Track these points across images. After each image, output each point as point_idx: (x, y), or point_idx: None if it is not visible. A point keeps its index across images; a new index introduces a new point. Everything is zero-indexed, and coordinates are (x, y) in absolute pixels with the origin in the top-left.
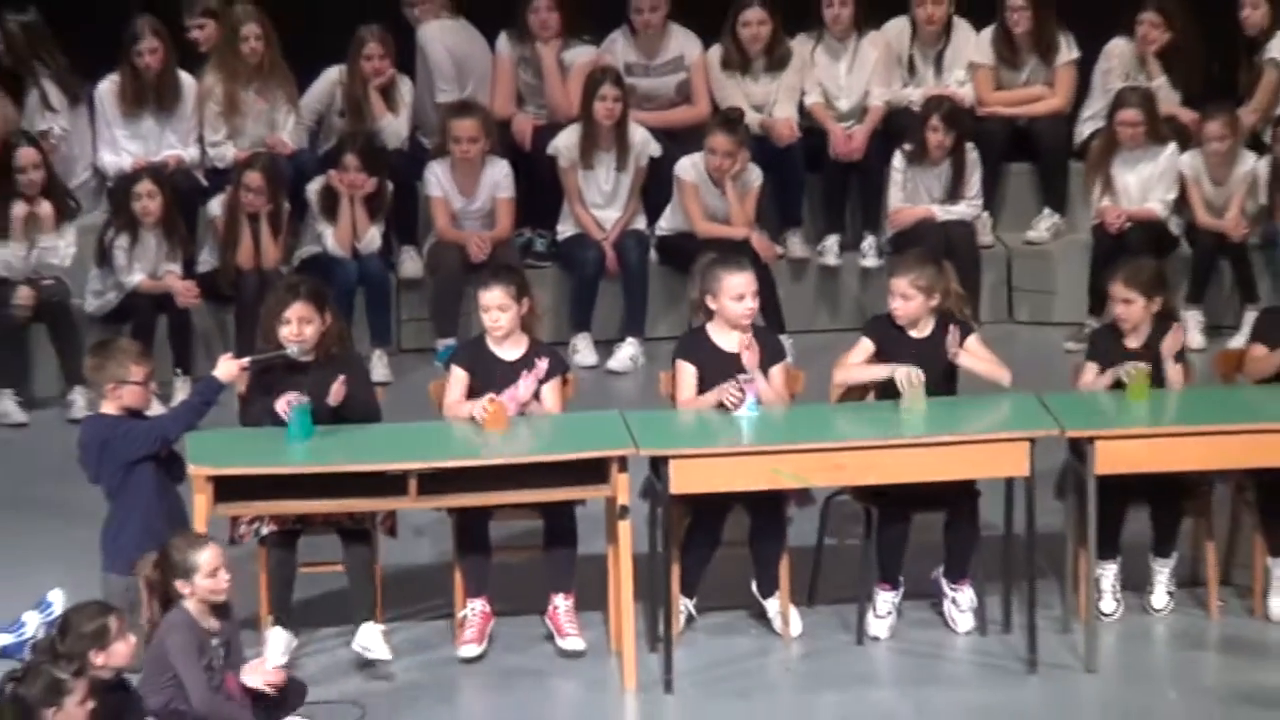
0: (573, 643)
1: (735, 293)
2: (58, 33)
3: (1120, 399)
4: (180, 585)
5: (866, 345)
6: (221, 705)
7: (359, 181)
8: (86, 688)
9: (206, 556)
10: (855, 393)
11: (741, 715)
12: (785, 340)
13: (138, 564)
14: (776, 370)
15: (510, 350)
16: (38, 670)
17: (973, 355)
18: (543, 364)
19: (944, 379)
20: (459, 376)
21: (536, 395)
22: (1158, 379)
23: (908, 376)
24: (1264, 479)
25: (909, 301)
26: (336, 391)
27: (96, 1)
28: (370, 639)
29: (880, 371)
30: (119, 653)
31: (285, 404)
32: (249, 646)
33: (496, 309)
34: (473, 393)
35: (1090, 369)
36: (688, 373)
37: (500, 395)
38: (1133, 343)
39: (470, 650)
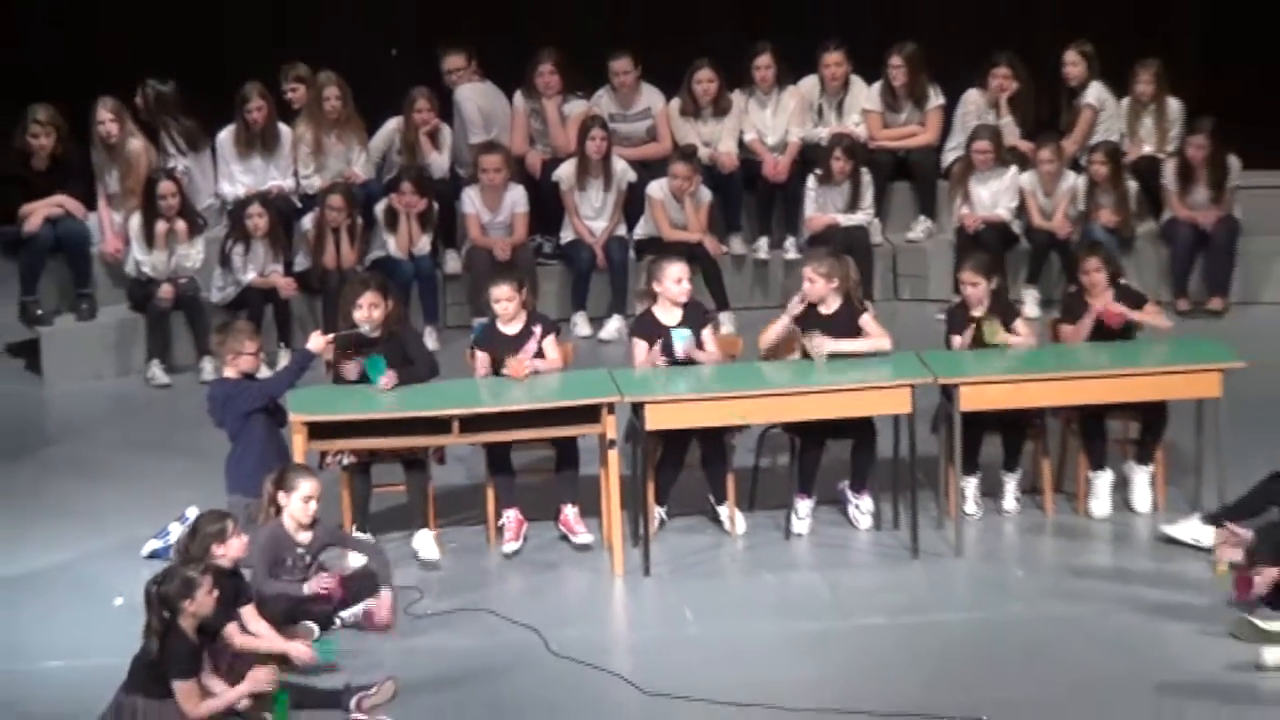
0: (583, 538)
1: (675, 277)
2: (191, 97)
3: (978, 355)
4: (283, 498)
5: (781, 319)
6: (272, 587)
7: (413, 202)
8: (211, 581)
9: (307, 483)
10: (784, 353)
11: (701, 592)
12: (727, 314)
13: (263, 480)
14: (707, 332)
15: (513, 326)
16: (173, 572)
17: (864, 329)
18: (537, 329)
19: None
20: (482, 358)
21: (540, 353)
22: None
23: (817, 345)
24: (1084, 412)
25: (814, 285)
26: (386, 382)
27: (221, 75)
28: (424, 542)
29: (783, 322)
30: (234, 547)
31: (353, 368)
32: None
33: (504, 300)
34: (492, 363)
35: (956, 338)
36: (640, 347)
37: (518, 358)
38: (976, 313)
39: (511, 547)
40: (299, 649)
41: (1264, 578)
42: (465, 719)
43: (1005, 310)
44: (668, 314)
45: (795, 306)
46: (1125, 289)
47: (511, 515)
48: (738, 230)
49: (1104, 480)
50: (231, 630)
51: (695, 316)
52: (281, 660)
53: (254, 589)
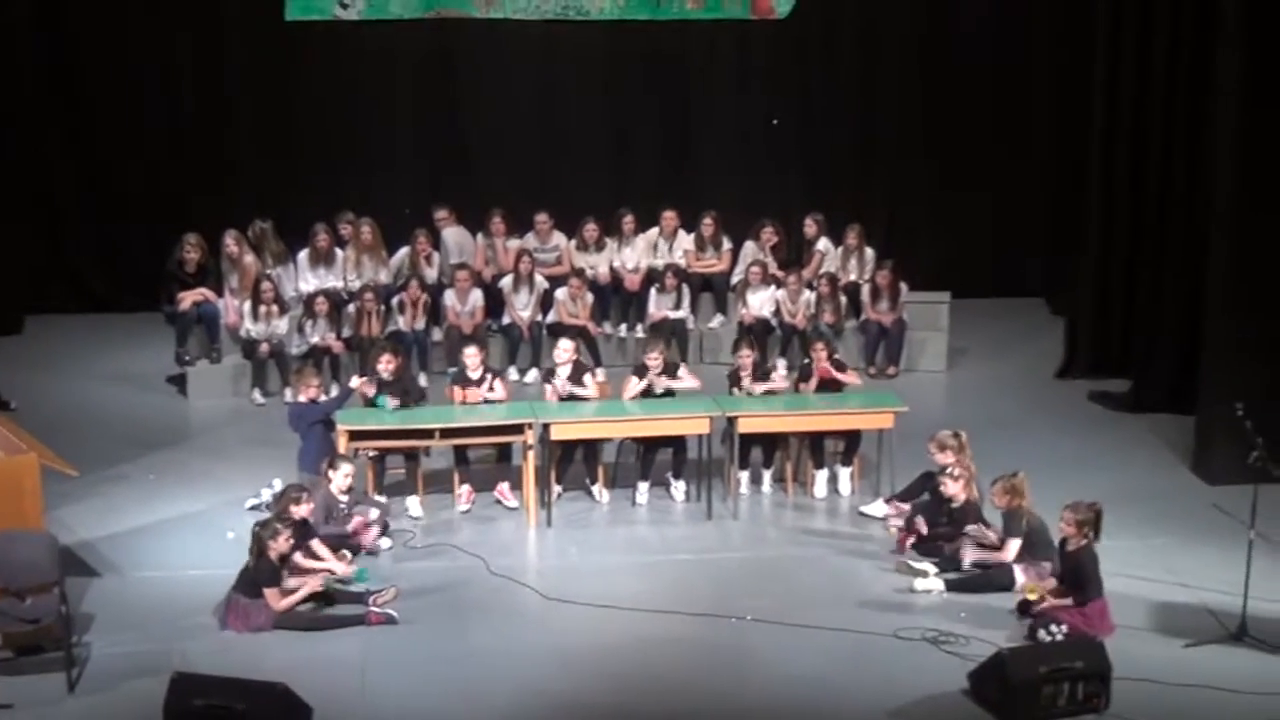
0: (511, 503)
1: (562, 348)
2: (281, 229)
3: (748, 399)
4: (331, 474)
5: (633, 378)
6: (324, 529)
7: (416, 297)
8: (289, 530)
9: (345, 468)
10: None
11: (581, 537)
12: (601, 371)
13: (321, 468)
14: (589, 378)
15: (477, 373)
16: (268, 522)
17: (681, 380)
18: (490, 377)
19: (669, 393)
20: (457, 391)
21: (491, 388)
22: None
23: (660, 382)
24: (812, 434)
25: (653, 361)
26: (392, 405)
27: (301, 216)
28: (412, 504)
29: (638, 388)
30: (305, 507)
31: (360, 385)
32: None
33: (471, 356)
34: (462, 391)
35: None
36: (548, 389)
37: (475, 391)
38: (744, 375)
39: (463, 508)
40: (341, 566)
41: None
42: (439, 612)
43: (761, 372)
44: (563, 369)
45: (640, 387)
46: (837, 361)
47: (465, 489)
48: (607, 319)
49: (821, 476)
50: (299, 557)
51: (579, 370)
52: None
53: (317, 527)
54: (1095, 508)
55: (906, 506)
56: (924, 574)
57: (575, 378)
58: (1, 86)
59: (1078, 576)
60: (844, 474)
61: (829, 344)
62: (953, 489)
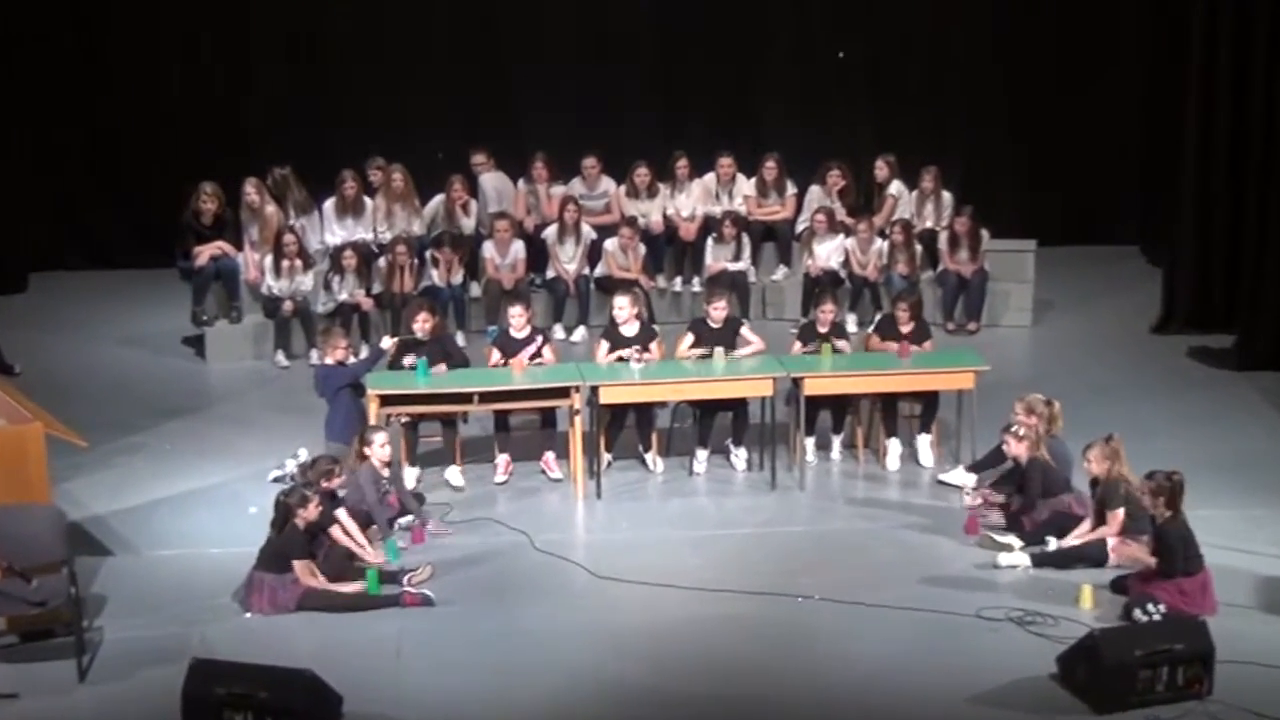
0: (556, 475)
1: (617, 305)
2: (304, 175)
3: (815, 358)
4: (367, 450)
5: (689, 336)
6: (381, 508)
7: (448, 256)
8: (318, 500)
9: (380, 437)
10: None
11: (633, 509)
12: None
13: (349, 433)
14: (654, 344)
15: (521, 334)
16: (295, 489)
17: (744, 337)
18: (539, 339)
19: (731, 350)
20: (496, 353)
21: (539, 353)
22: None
23: (717, 352)
24: (885, 397)
25: (717, 311)
26: (438, 372)
27: (328, 161)
28: (453, 474)
29: (698, 351)
30: (336, 480)
31: (409, 361)
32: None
33: (517, 315)
34: (504, 356)
35: (797, 345)
36: (604, 346)
37: (519, 356)
38: (823, 330)
39: (500, 479)
40: (369, 555)
41: (995, 514)
42: (479, 591)
43: (839, 330)
44: (628, 328)
45: (698, 352)
46: (922, 324)
47: (503, 459)
48: (661, 272)
49: (894, 445)
50: (333, 530)
51: (646, 335)
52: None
53: (369, 505)
54: (1175, 477)
55: (999, 497)
56: (1009, 548)
57: (643, 341)
58: (14, 33)
59: (1160, 552)
60: (923, 442)
61: (915, 304)
62: (1015, 449)
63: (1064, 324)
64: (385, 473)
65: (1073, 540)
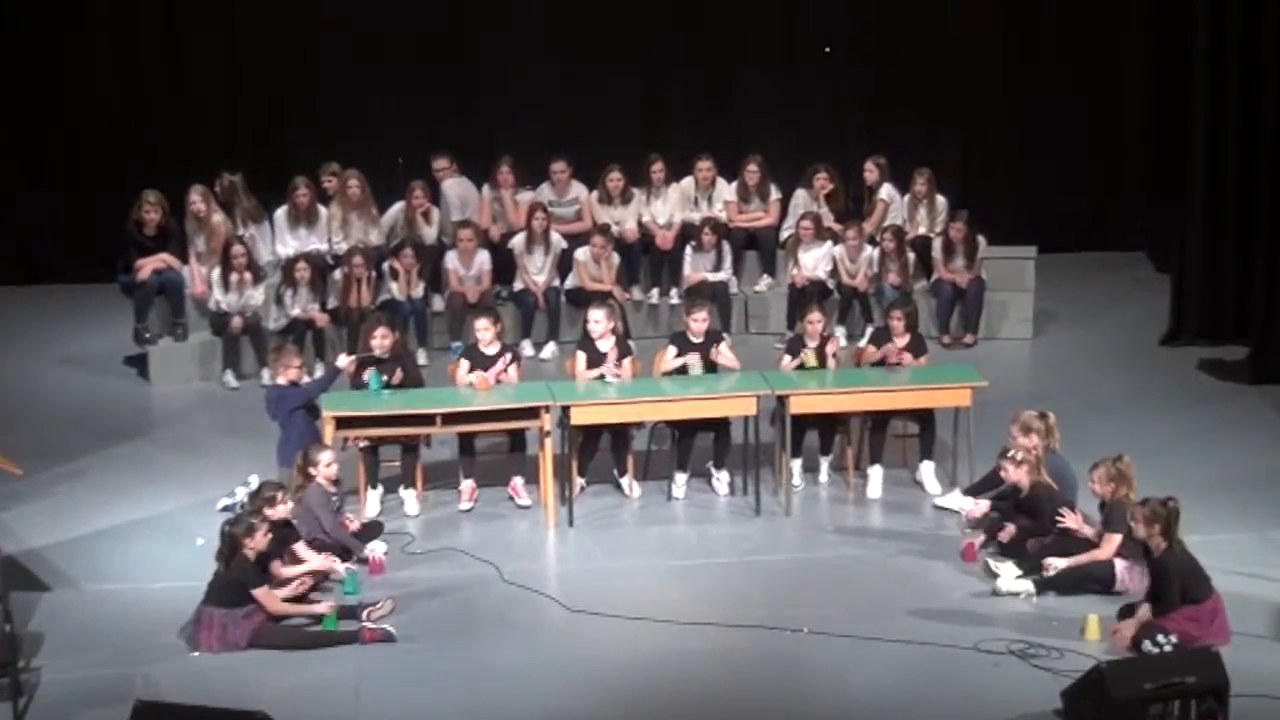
0: (524, 501)
1: (592, 319)
2: (255, 183)
3: (801, 374)
4: (312, 470)
5: (670, 348)
6: (340, 530)
7: (409, 264)
8: (267, 527)
9: (326, 455)
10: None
11: (608, 538)
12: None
13: (295, 460)
14: (628, 361)
15: (490, 349)
16: (241, 518)
17: (721, 354)
18: (508, 356)
19: (710, 367)
20: (464, 364)
21: (506, 370)
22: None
23: (696, 363)
24: (874, 416)
25: (697, 323)
26: (396, 379)
27: (279, 168)
28: (409, 500)
29: (677, 362)
30: (284, 508)
31: (365, 377)
32: (350, 505)
33: (484, 329)
34: (471, 371)
35: (786, 359)
36: (581, 359)
37: (485, 373)
38: (811, 343)
39: (465, 506)
40: (334, 562)
41: (1005, 532)
42: (443, 626)
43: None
44: (602, 343)
45: (677, 364)
46: (917, 337)
47: (468, 485)
48: (636, 283)
49: (876, 471)
50: (276, 565)
51: (622, 350)
52: (323, 577)
53: (326, 529)
54: (1170, 504)
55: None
56: (1009, 574)
57: (619, 356)
58: None
59: (1156, 585)
60: (927, 470)
61: (911, 314)
62: (1014, 474)
63: (1067, 336)
64: (333, 489)
65: (1075, 561)
